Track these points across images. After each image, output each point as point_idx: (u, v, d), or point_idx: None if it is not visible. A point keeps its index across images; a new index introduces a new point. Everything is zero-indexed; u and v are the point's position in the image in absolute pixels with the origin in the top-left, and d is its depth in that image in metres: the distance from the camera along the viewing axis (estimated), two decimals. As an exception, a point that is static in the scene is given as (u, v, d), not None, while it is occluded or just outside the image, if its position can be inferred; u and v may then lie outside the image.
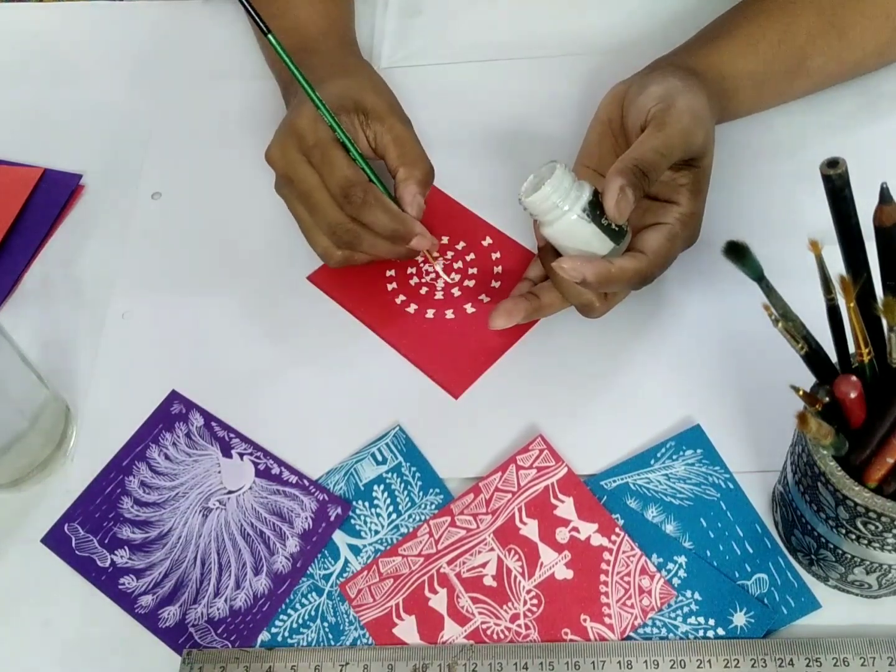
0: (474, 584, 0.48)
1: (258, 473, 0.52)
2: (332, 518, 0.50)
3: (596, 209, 0.48)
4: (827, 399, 0.38)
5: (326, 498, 0.51)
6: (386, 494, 0.51)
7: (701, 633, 0.46)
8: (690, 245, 0.53)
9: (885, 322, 0.35)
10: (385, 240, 0.54)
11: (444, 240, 0.61)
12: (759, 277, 0.38)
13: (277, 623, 0.48)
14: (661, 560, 0.48)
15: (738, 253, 0.38)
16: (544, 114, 0.66)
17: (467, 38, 0.72)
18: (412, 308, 0.58)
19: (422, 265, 0.60)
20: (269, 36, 0.52)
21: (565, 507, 0.49)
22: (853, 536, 0.41)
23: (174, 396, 0.55)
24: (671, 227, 0.51)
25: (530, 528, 0.49)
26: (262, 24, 0.52)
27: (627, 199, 0.47)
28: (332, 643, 0.47)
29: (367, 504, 0.51)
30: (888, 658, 0.43)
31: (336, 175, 0.52)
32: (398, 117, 0.56)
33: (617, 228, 0.49)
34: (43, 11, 0.80)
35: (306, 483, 0.51)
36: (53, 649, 0.48)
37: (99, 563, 0.50)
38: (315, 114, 0.53)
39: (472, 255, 0.60)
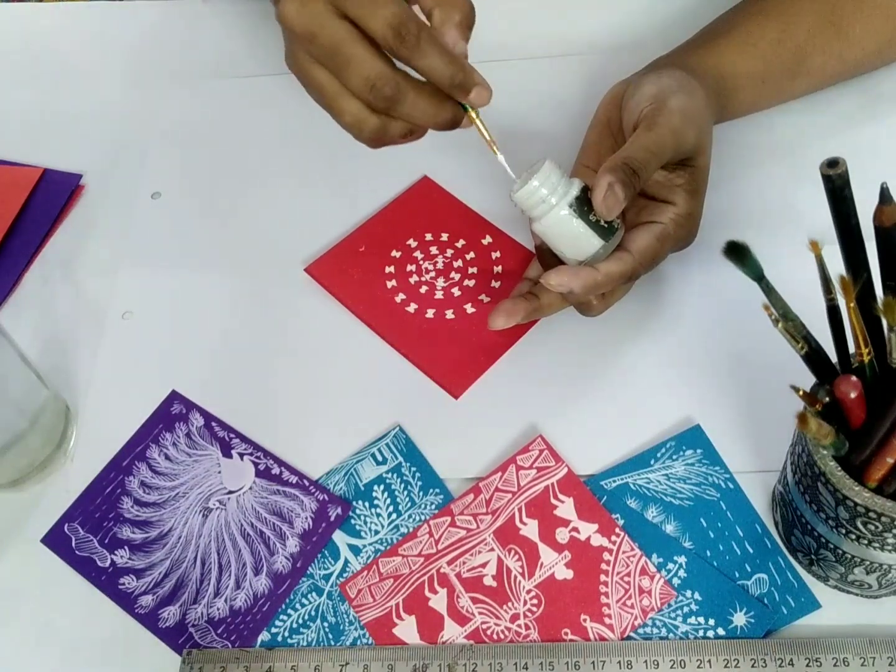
0: (474, 584, 0.48)
1: (258, 473, 0.52)
2: (332, 518, 0.50)
3: (584, 205, 0.49)
4: (827, 399, 0.38)
5: (326, 498, 0.51)
6: (386, 494, 0.51)
7: (701, 633, 0.46)
8: (686, 246, 0.53)
9: (885, 322, 0.35)
10: (429, 100, 0.46)
11: (444, 237, 0.61)
12: (759, 277, 0.38)
13: (277, 623, 0.48)
14: (661, 560, 0.48)
15: (738, 253, 0.38)
16: (544, 114, 0.66)
17: (467, 38, 0.72)
18: (412, 308, 0.58)
19: (421, 262, 0.60)
20: None
21: (565, 508, 0.49)
22: (853, 536, 0.41)
23: (174, 396, 0.55)
24: (664, 227, 0.51)
25: (530, 529, 0.49)
26: None
27: (616, 195, 0.47)
28: (332, 643, 0.47)
29: (367, 504, 0.51)
30: (888, 658, 0.43)
31: (385, 10, 0.44)
32: None
33: (606, 225, 0.49)
34: (43, 11, 0.80)
35: (306, 483, 0.51)
36: (53, 649, 0.48)
37: (99, 563, 0.50)
38: None
39: (472, 254, 0.60)
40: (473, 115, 0.49)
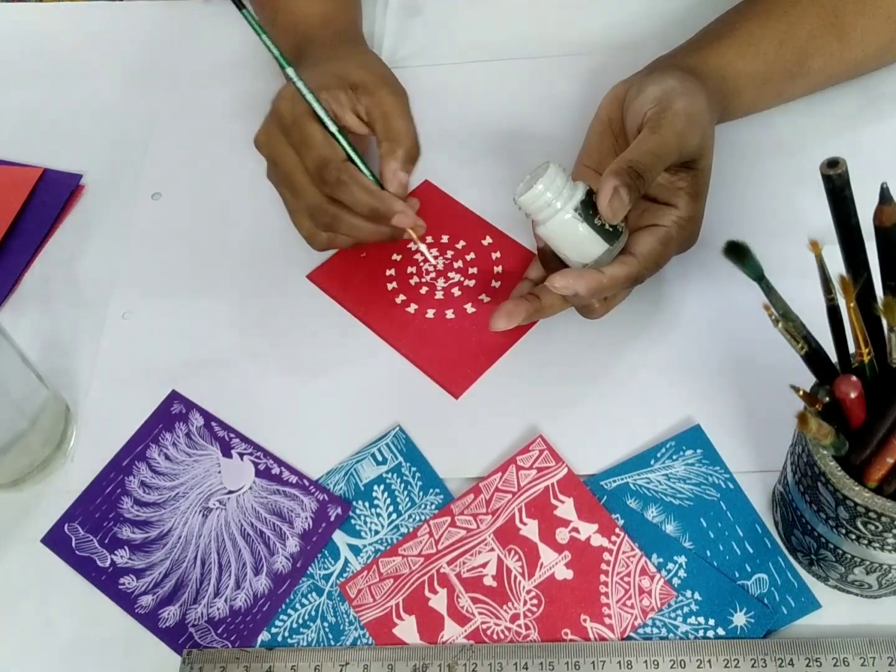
0: (474, 584, 0.48)
1: (258, 473, 0.52)
2: (332, 518, 0.50)
3: (589, 209, 0.49)
4: (827, 399, 0.38)
5: (326, 498, 0.51)
6: (386, 494, 0.51)
7: (701, 633, 0.46)
8: (688, 248, 0.53)
9: (885, 322, 0.35)
10: (366, 220, 0.53)
11: (445, 239, 0.61)
12: (759, 277, 0.38)
13: (277, 623, 0.48)
14: (661, 560, 0.48)
15: (738, 253, 0.38)
16: (544, 114, 0.66)
17: (467, 38, 0.72)
18: (412, 308, 0.58)
19: (422, 264, 0.60)
20: (244, 11, 0.52)
21: (565, 508, 0.49)
22: (853, 536, 0.41)
23: (174, 396, 0.55)
24: (667, 230, 0.51)
25: (530, 529, 0.49)
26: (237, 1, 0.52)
27: (621, 199, 0.47)
28: (332, 643, 0.47)
29: (367, 504, 0.51)
30: (888, 658, 0.43)
31: (311, 154, 0.52)
32: (389, 90, 0.55)
33: (611, 229, 0.49)
34: (43, 11, 0.80)
35: (306, 483, 0.51)
36: (53, 649, 0.48)
37: (99, 563, 0.50)
38: (293, 92, 0.53)
39: (472, 255, 0.60)
40: (411, 232, 0.55)
